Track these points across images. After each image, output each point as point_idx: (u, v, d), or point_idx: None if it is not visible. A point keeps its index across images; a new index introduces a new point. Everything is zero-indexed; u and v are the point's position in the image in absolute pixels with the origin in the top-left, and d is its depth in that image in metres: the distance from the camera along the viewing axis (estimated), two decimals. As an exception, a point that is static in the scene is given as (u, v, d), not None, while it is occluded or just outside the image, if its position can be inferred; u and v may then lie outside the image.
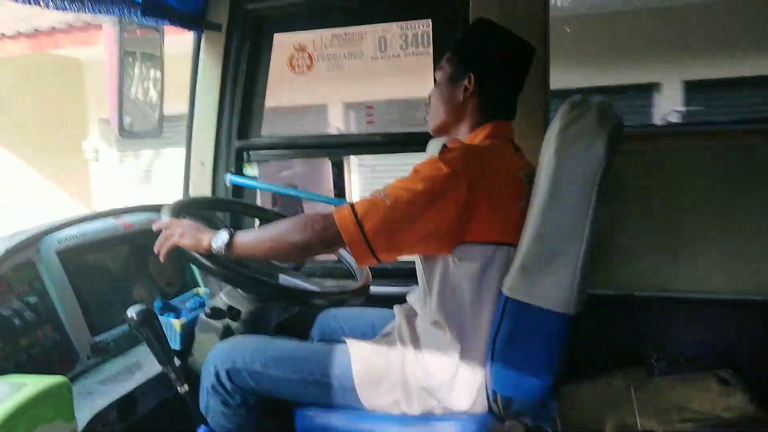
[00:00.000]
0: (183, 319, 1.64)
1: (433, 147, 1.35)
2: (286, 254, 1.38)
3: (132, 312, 1.31)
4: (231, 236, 1.35)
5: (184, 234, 1.40)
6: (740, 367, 1.87)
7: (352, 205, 1.26)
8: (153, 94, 2.22)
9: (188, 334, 1.64)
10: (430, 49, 2.12)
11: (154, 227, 1.46)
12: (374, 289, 2.10)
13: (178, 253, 1.42)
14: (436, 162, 1.27)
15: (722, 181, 1.90)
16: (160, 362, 1.35)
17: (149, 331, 1.31)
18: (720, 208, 1.91)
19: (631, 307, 2.00)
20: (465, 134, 1.48)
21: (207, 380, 1.45)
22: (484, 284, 1.33)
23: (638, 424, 1.89)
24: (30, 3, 1.56)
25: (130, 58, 2.11)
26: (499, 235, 1.31)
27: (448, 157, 1.28)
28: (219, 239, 1.35)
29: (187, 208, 1.74)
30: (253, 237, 1.36)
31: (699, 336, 1.95)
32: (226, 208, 2.20)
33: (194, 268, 2.01)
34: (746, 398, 1.82)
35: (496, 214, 1.31)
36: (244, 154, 2.34)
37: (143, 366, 1.54)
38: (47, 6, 1.59)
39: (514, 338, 1.30)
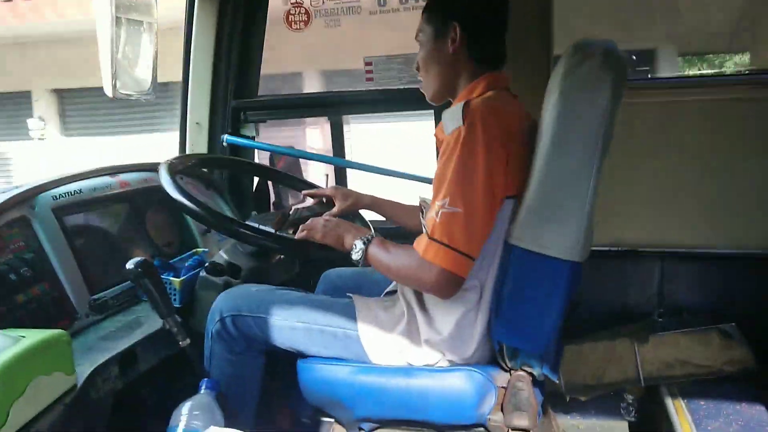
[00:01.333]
0: (182, 278, 1.63)
1: (449, 117, 1.31)
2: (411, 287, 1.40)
3: (132, 263, 1.29)
4: (365, 252, 1.35)
5: (327, 235, 1.41)
6: (742, 321, 1.87)
7: (432, 239, 1.24)
8: (146, 57, 2.17)
9: (188, 292, 1.63)
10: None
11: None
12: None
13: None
14: (471, 136, 1.23)
15: (724, 137, 1.88)
16: (161, 315, 1.33)
17: (150, 282, 1.29)
18: (721, 164, 1.89)
19: (634, 264, 1.99)
20: (462, 89, 1.43)
21: (212, 326, 1.44)
22: (491, 236, 1.31)
23: (641, 379, 1.89)
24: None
25: (123, 20, 2.05)
26: (512, 187, 1.29)
27: (479, 123, 1.23)
28: (356, 254, 1.35)
29: (185, 167, 1.71)
30: (381, 264, 1.34)
31: (701, 291, 1.95)
32: (224, 166, 2.16)
33: (193, 228, 1.98)
34: (748, 352, 1.83)
35: (516, 165, 1.28)
36: (241, 114, 2.30)
37: (144, 323, 1.52)
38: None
39: (520, 287, 1.28)
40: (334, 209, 1.74)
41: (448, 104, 1.47)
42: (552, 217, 1.23)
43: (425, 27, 1.44)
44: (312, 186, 1.94)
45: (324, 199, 1.79)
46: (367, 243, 1.35)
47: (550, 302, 1.27)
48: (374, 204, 1.80)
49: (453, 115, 1.28)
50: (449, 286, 1.26)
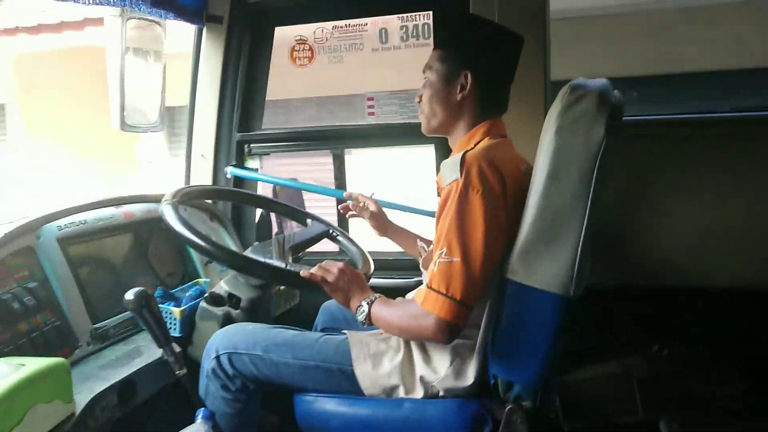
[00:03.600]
0: (183, 307, 1.65)
1: (447, 168, 1.34)
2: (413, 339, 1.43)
3: (131, 294, 1.31)
4: (369, 312, 1.38)
5: (336, 289, 1.43)
6: (742, 356, 1.86)
7: (430, 288, 1.27)
8: (155, 90, 2.23)
9: (188, 322, 1.65)
10: (431, 41, 2.13)
11: (315, 272, 1.45)
12: (375, 281, 2.11)
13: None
14: (467, 188, 1.26)
15: (722, 172, 1.90)
16: (158, 345, 1.35)
17: (147, 313, 1.31)
18: (719, 199, 1.91)
19: (632, 298, 1.99)
20: (462, 134, 1.47)
21: (207, 364, 1.45)
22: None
23: (639, 414, 1.88)
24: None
25: (132, 53, 2.11)
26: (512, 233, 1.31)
27: (475, 175, 1.27)
28: (361, 315, 1.39)
29: (188, 197, 1.74)
30: (384, 321, 1.37)
31: (701, 325, 1.94)
32: (227, 197, 2.20)
33: (195, 259, 2.01)
34: (751, 386, 1.81)
35: (515, 211, 1.31)
36: (245, 147, 2.35)
37: (143, 352, 1.54)
38: (48, -6, 1.59)
39: (514, 321, 1.29)
40: (367, 212, 1.83)
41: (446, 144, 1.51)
42: (546, 252, 1.25)
43: (436, 65, 1.46)
44: (314, 217, 1.98)
45: (362, 204, 1.86)
46: (370, 304, 1.38)
47: (542, 335, 1.28)
48: (398, 234, 1.87)
49: (451, 167, 1.31)
50: (446, 333, 1.27)
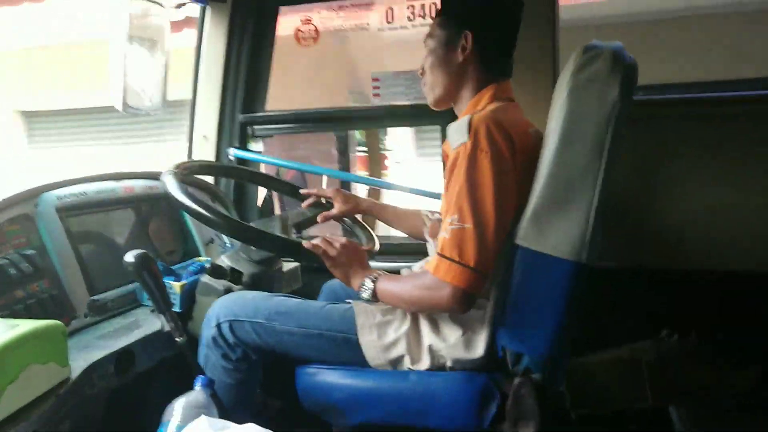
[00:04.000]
0: (183, 282, 1.61)
1: (454, 131, 1.31)
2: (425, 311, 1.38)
3: (131, 256, 1.27)
4: (374, 290, 1.34)
5: (337, 265, 1.40)
6: (755, 340, 1.82)
7: (442, 255, 1.24)
8: (157, 74, 2.20)
9: (188, 296, 1.61)
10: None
11: (318, 243, 1.42)
12: (378, 265, 2.07)
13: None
14: (475, 150, 1.23)
15: (732, 154, 1.86)
16: (159, 309, 1.31)
17: (148, 276, 1.28)
18: (730, 181, 1.87)
19: (641, 281, 1.96)
20: (467, 100, 1.44)
21: (208, 332, 1.42)
22: None
23: (649, 398, 1.84)
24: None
25: (135, 36, 2.09)
26: (522, 197, 1.28)
27: (483, 137, 1.23)
28: (365, 292, 1.35)
29: (190, 171, 1.71)
30: (392, 295, 1.34)
31: (710, 310, 1.90)
32: (230, 174, 2.17)
33: (196, 237, 1.97)
34: (760, 372, 1.78)
35: (524, 175, 1.28)
36: (248, 129, 2.31)
37: (142, 325, 1.51)
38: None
39: (524, 289, 1.26)
40: (333, 210, 1.75)
41: (453, 117, 1.47)
42: (558, 216, 1.21)
43: (436, 32, 1.44)
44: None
45: (323, 200, 1.80)
46: (375, 280, 1.34)
47: (553, 304, 1.24)
48: (372, 208, 1.81)
49: (458, 130, 1.28)
50: (462, 303, 1.24)
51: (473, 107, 1.41)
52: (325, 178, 2.11)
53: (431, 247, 1.40)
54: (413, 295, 1.30)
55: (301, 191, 1.87)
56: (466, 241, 1.21)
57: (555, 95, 1.27)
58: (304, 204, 1.85)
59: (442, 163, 1.60)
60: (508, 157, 1.24)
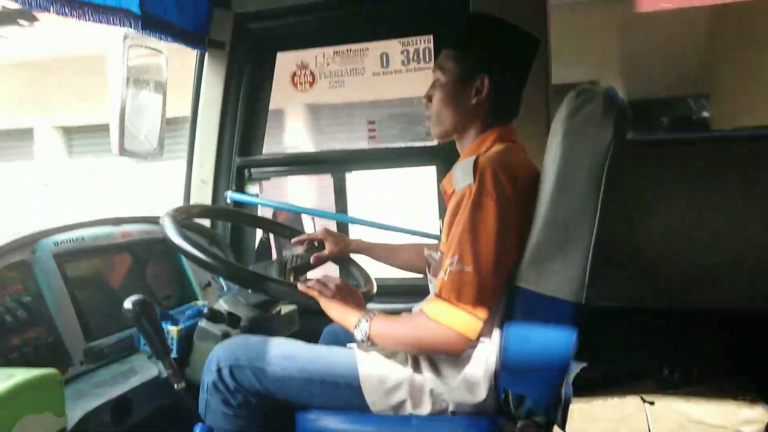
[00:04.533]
0: (180, 326, 1.60)
1: (460, 171, 1.32)
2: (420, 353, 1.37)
3: (129, 302, 1.27)
4: (369, 331, 1.33)
5: (332, 305, 1.39)
6: (756, 378, 1.81)
7: (439, 296, 1.24)
8: (155, 117, 2.22)
9: (186, 341, 1.59)
10: (432, 65, 2.14)
11: (312, 285, 1.42)
12: (376, 306, 2.06)
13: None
14: (481, 194, 1.23)
15: (732, 192, 1.88)
16: (156, 356, 1.30)
17: (146, 321, 1.27)
18: (729, 220, 1.89)
19: (642, 320, 1.95)
20: (473, 138, 1.44)
21: (208, 377, 1.39)
22: None
23: (653, 440, 1.82)
24: (30, 6, 1.57)
25: (134, 81, 2.12)
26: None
27: (489, 180, 1.24)
28: (359, 333, 1.33)
29: (187, 214, 1.72)
30: (387, 336, 1.33)
31: (712, 347, 1.89)
32: (228, 218, 2.17)
33: (193, 281, 1.96)
34: (764, 410, 1.76)
35: (528, 217, 1.28)
36: (246, 172, 2.33)
37: (139, 371, 1.49)
38: (47, 10, 1.60)
39: (525, 331, 1.25)
40: (325, 252, 1.74)
41: (454, 155, 1.48)
42: (556, 259, 1.21)
43: (449, 65, 1.41)
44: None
45: (315, 243, 1.80)
46: (369, 321, 1.33)
47: (556, 345, 1.23)
48: (363, 248, 1.81)
49: (464, 170, 1.28)
50: (458, 346, 1.24)
51: (477, 147, 1.40)
52: (315, 220, 2.11)
53: (432, 286, 1.40)
54: (409, 335, 1.29)
55: (293, 241, 1.87)
56: (465, 284, 1.21)
57: (550, 139, 1.29)
58: (297, 247, 1.85)
59: (437, 201, 1.61)
60: (513, 201, 1.24)
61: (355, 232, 2.21)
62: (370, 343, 1.34)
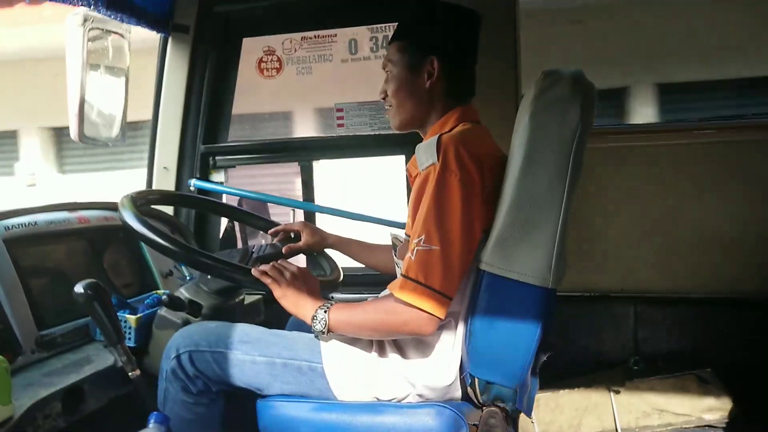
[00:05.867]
0: (139, 315, 1.54)
1: (423, 151, 1.29)
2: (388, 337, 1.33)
3: (81, 286, 1.21)
4: (328, 321, 1.28)
5: (286, 295, 1.33)
6: (718, 366, 1.83)
7: (407, 277, 1.20)
8: (116, 102, 2.15)
9: (145, 330, 1.54)
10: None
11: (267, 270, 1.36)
12: (341, 296, 2.03)
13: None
14: (444, 172, 1.21)
15: (695, 181, 1.90)
16: (110, 342, 1.25)
17: (99, 306, 1.21)
18: (693, 208, 1.90)
19: (608, 309, 1.96)
20: (433, 122, 1.42)
21: (167, 365, 1.35)
22: None
23: (618, 429, 1.82)
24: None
25: (94, 64, 2.05)
26: (489, 220, 1.26)
27: (452, 158, 1.21)
28: (318, 324, 1.28)
29: (146, 200, 1.66)
30: (350, 324, 1.29)
31: (676, 336, 1.91)
32: (189, 204, 2.11)
33: (154, 270, 1.90)
34: (727, 398, 1.78)
35: (491, 197, 1.26)
36: (210, 159, 2.28)
37: (94, 360, 1.43)
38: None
39: (490, 316, 1.23)
40: (300, 243, 1.70)
41: (419, 140, 1.46)
42: (522, 241, 1.20)
43: (396, 56, 1.41)
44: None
45: (292, 234, 1.76)
46: (327, 310, 1.28)
47: (522, 331, 1.22)
48: (339, 243, 1.77)
49: (427, 150, 1.26)
50: (426, 326, 1.20)
51: (440, 129, 1.38)
52: (297, 211, 2.07)
53: (399, 270, 1.37)
54: (375, 320, 1.26)
55: (270, 232, 1.83)
56: (432, 263, 1.19)
57: (517, 120, 1.28)
58: (265, 237, 1.81)
59: (406, 184, 1.58)
60: (477, 179, 1.23)
61: (321, 222, 2.18)
62: (330, 333, 1.29)
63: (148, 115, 2.26)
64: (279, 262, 1.39)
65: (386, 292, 1.47)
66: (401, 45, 1.42)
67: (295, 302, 1.33)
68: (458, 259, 1.20)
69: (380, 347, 1.32)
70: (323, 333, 1.29)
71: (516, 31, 1.89)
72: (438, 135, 1.26)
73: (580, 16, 4.32)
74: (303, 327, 1.64)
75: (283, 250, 1.72)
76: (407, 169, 1.47)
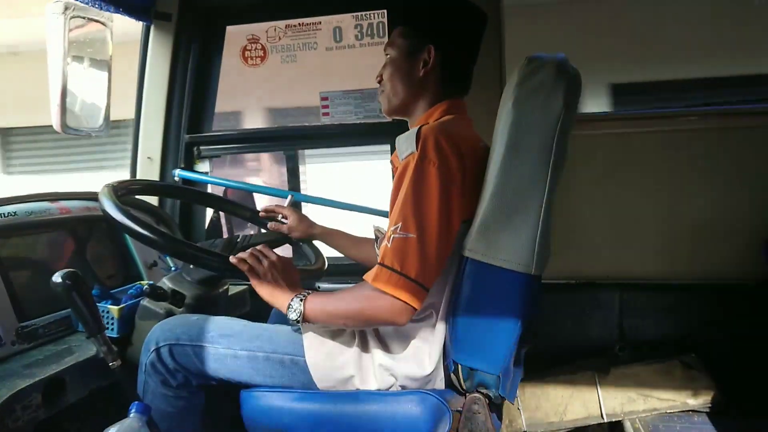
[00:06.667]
0: (121, 305, 1.53)
1: (403, 141, 1.28)
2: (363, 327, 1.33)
3: (59, 275, 1.19)
4: (303, 311, 1.26)
5: (263, 284, 1.31)
6: (703, 352, 1.84)
7: (383, 265, 1.19)
8: (99, 92, 2.13)
9: (127, 321, 1.53)
10: (386, 39, 2.09)
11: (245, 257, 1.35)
12: (327, 286, 2.03)
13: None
14: (423, 161, 1.20)
15: (679, 168, 1.90)
16: (89, 333, 1.23)
17: (77, 296, 1.20)
18: (677, 195, 1.91)
19: (593, 296, 1.97)
20: (422, 112, 1.42)
21: (146, 357, 1.33)
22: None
23: (603, 414, 1.83)
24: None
25: (76, 54, 2.02)
26: (468, 211, 1.25)
27: (431, 148, 1.20)
28: (293, 313, 1.26)
29: (128, 190, 1.64)
30: (325, 312, 1.27)
31: (661, 322, 1.92)
32: (171, 194, 2.10)
33: (138, 261, 1.89)
34: (711, 383, 1.79)
35: (472, 188, 1.26)
36: (195, 149, 2.25)
37: (75, 352, 1.41)
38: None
39: (473, 303, 1.23)
40: (285, 226, 1.71)
41: (405, 129, 1.45)
42: (506, 227, 1.20)
43: (398, 41, 1.42)
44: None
45: (280, 216, 1.76)
46: (303, 299, 1.27)
47: (505, 317, 1.22)
48: (326, 234, 1.77)
49: (407, 140, 1.26)
50: (401, 315, 1.19)
51: (425, 119, 1.39)
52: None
53: (377, 244, 1.36)
54: (350, 309, 1.24)
55: (261, 211, 1.85)
56: (408, 251, 1.18)
57: (501, 107, 1.27)
58: (251, 228, 1.81)
59: (391, 176, 1.58)
60: (456, 169, 1.22)
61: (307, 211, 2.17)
62: (305, 323, 1.28)
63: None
64: (259, 248, 1.37)
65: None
66: (403, 30, 1.42)
67: (271, 291, 1.31)
68: (435, 249, 1.19)
69: (362, 340, 1.31)
70: (298, 322, 1.27)
71: (501, 20, 1.88)
72: (419, 126, 1.25)
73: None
74: (286, 319, 1.65)
75: (268, 226, 1.72)
76: (391, 160, 1.47)
